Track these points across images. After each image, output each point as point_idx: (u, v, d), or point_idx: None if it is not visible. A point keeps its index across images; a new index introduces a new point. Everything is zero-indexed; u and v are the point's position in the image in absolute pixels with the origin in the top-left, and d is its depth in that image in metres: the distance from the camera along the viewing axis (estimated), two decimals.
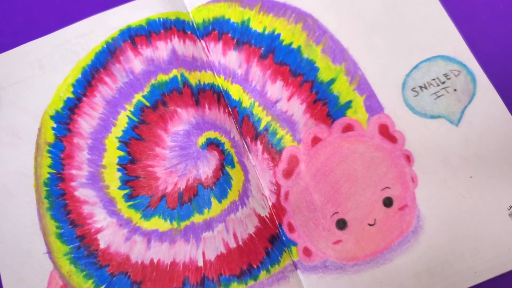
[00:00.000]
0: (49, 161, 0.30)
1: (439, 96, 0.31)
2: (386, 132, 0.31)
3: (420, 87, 0.32)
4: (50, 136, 0.30)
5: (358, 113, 0.31)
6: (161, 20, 0.32)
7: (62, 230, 0.28)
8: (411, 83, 0.32)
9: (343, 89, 0.31)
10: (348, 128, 0.31)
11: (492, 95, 0.31)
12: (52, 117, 0.30)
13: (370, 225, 0.29)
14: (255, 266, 0.28)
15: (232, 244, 0.28)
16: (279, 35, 0.32)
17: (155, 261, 0.28)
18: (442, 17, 0.33)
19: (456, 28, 0.33)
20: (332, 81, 0.32)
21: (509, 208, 0.29)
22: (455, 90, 0.31)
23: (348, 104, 0.31)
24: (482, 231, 0.29)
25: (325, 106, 0.31)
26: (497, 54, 0.34)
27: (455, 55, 0.32)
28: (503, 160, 0.30)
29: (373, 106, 0.31)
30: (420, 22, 0.33)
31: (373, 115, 0.31)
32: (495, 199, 0.29)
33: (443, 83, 0.32)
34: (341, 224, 0.29)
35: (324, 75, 0.32)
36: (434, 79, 0.32)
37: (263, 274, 0.28)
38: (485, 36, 0.34)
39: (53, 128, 0.30)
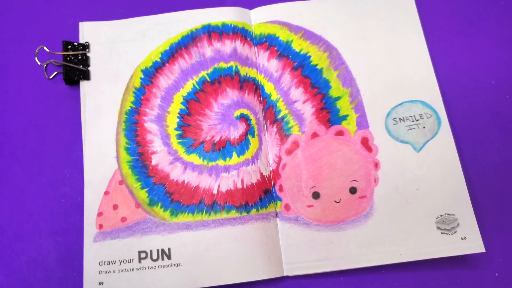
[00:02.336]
0: (132, 98, 0.43)
1: (411, 128, 0.43)
2: (366, 143, 0.43)
3: (400, 118, 0.43)
4: (137, 82, 0.44)
5: (350, 125, 0.43)
6: (232, 25, 0.45)
7: (129, 146, 0.42)
8: (394, 114, 0.44)
9: (344, 106, 0.44)
10: (340, 133, 0.43)
11: (449, 137, 0.42)
12: (142, 70, 0.44)
13: (336, 202, 0.41)
14: (250, 204, 0.40)
15: (239, 186, 0.40)
16: (310, 56, 0.45)
17: (186, 182, 0.41)
18: (430, 74, 0.44)
19: (437, 84, 0.44)
20: (338, 98, 0.44)
21: (437, 217, 0.40)
22: (424, 127, 0.43)
23: (345, 117, 0.43)
24: (414, 228, 0.40)
25: (328, 114, 0.43)
26: (460, 110, 0.45)
27: (431, 102, 0.44)
28: (444, 184, 0.41)
29: (362, 123, 0.43)
30: (412, 73, 0.44)
31: (360, 129, 0.43)
32: (429, 209, 0.40)
33: (417, 120, 0.43)
34: (316, 195, 0.41)
35: (333, 93, 0.44)
36: (411, 116, 0.43)
37: (253, 211, 0.40)
38: (456, 96, 0.46)
39: (140, 78, 0.44)
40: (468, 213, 0.40)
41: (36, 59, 0.43)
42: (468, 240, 0.39)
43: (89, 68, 0.44)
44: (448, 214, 0.40)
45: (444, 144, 0.42)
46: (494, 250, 0.41)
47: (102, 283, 0.37)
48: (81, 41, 0.45)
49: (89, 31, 0.45)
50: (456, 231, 0.40)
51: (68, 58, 0.44)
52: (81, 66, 0.44)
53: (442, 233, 0.40)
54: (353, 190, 0.41)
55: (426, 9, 0.49)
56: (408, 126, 0.43)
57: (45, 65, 0.44)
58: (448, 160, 0.42)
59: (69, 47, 0.44)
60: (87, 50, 0.45)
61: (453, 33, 0.49)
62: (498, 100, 0.47)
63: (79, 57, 0.44)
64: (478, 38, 0.49)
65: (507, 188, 0.43)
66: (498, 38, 0.49)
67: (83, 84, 0.44)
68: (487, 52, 0.48)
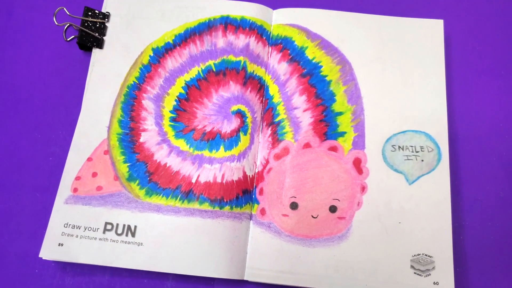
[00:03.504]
0: (137, 74, 0.44)
1: (408, 159, 0.41)
2: (358, 164, 0.41)
3: (399, 147, 0.42)
4: (146, 60, 0.44)
5: (346, 143, 0.42)
6: (251, 21, 0.45)
7: (123, 119, 0.42)
8: (394, 141, 0.42)
9: (344, 122, 0.42)
10: (333, 149, 0.42)
11: (445, 176, 0.40)
12: (153, 49, 0.44)
13: (313, 217, 0.40)
14: (225, 200, 0.39)
15: (219, 180, 0.40)
16: (321, 66, 0.44)
17: (168, 165, 0.41)
18: (441, 108, 0.42)
19: (447, 119, 0.42)
20: (340, 113, 0.43)
21: (413, 256, 0.38)
22: (422, 160, 0.41)
23: (343, 134, 0.42)
24: (387, 261, 0.38)
25: (326, 127, 0.42)
26: (467, 152, 0.43)
27: (436, 137, 0.42)
28: (428, 223, 0.39)
29: (359, 143, 0.42)
30: (423, 103, 0.42)
31: (355, 149, 0.41)
32: (407, 245, 0.38)
33: (417, 152, 0.41)
34: (294, 206, 0.40)
35: (337, 107, 0.43)
36: (412, 146, 0.42)
37: (227, 208, 0.39)
38: (466, 137, 0.43)
39: (150, 56, 0.44)
40: (447, 258, 0.38)
41: (54, 18, 0.44)
42: (440, 286, 0.37)
43: (104, 38, 0.45)
44: (426, 255, 0.38)
45: (439, 182, 0.40)
46: None
47: (62, 245, 0.37)
48: (103, 10, 0.46)
49: (112, 2, 0.46)
50: (429, 274, 0.37)
51: (86, 24, 0.45)
52: (97, 34, 0.45)
53: (415, 273, 0.38)
54: (333, 209, 0.40)
55: (454, 43, 0.47)
56: (406, 156, 0.41)
57: (66, 27, 0.45)
58: (439, 199, 0.40)
59: (90, 13, 0.45)
60: (106, 20, 0.46)
61: (478, 72, 0.46)
62: None
63: (97, 25, 0.45)
64: (503, 82, 0.46)
65: (496, 243, 0.40)
66: None
67: (95, 52, 0.45)
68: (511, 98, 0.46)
